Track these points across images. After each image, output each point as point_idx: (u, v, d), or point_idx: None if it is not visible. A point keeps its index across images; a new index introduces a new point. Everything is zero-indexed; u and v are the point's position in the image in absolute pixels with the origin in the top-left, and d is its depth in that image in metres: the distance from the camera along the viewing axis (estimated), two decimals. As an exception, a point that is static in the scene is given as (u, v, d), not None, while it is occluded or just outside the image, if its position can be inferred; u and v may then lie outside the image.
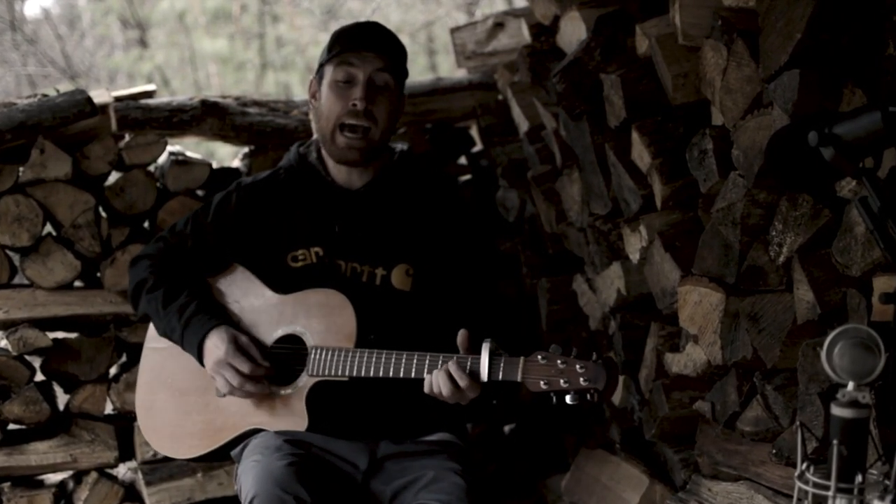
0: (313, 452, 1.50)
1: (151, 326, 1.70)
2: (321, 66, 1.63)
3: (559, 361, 1.34)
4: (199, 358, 1.57)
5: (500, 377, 1.37)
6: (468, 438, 1.64)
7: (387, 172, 1.65)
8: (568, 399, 1.33)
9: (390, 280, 1.59)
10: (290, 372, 1.55)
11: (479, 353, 1.38)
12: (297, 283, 1.58)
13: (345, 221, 1.62)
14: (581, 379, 1.32)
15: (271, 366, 1.55)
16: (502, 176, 2.36)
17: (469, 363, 1.39)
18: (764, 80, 1.41)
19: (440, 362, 1.41)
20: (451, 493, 1.44)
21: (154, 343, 1.70)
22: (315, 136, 1.70)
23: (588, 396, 1.33)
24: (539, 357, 1.35)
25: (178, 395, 1.64)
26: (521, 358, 1.36)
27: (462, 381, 1.38)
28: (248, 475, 1.44)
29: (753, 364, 1.51)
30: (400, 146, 1.70)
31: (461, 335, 1.42)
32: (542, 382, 1.34)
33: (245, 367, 1.51)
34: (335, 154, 1.60)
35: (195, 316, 1.57)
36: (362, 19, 1.67)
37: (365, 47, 1.57)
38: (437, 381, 1.40)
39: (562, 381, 1.33)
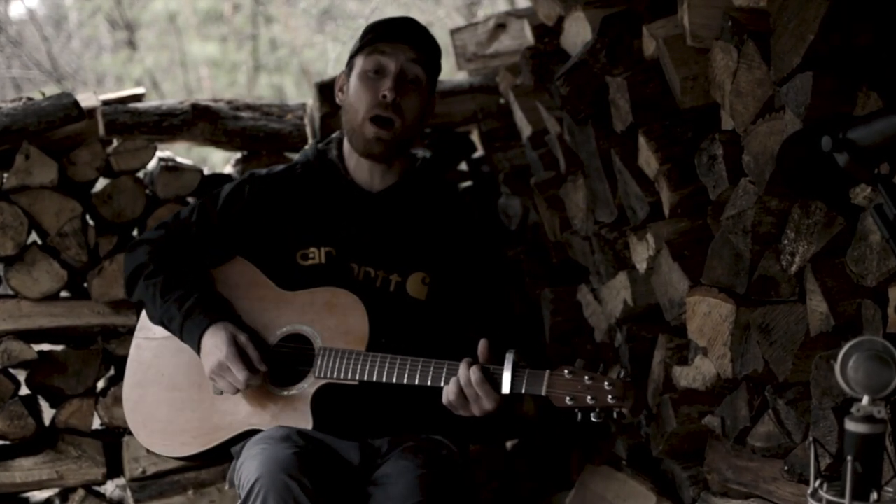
0: (320, 445, 1.47)
1: (143, 315, 1.64)
2: (352, 57, 1.60)
3: (586, 378, 1.32)
4: (199, 352, 1.52)
5: (524, 390, 1.35)
6: (465, 448, 1.59)
7: (408, 177, 1.62)
8: (592, 417, 1.32)
9: (405, 287, 1.56)
10: (293, 372, 1.50)
11: (501, 364, 1.35)
12: (304, 282, 1.54)
13: (362, 223, 1.58)
14: (609, 396, 1.30)
15: (272, 366, 1.50)
16: (504, 182, 2.33)
17: (491, 371, 1.36)
18: (776, 83, 1.38)
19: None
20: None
21: (146, 333, 1.64)
22: (336, 133, 1.67)
23: (614, 415, 1.31)
24: (565, 372, 1.33)
25: (171, 390, 1.58)
26: (547, 371, 1.34)
27: (481, 390, 1.35)
28: (252, 462, 1.39)
29: (765, 378, 1.48)
30: (422, 153, 1.67)
31: (482, 345, 1.39)
32: (567, 398, 1.32)
33: (242, 376, 1.47)
34: (361, 146, 1.56)
35: (196, 308, 1.52)
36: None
37: (398, 38, 1.55)
38: (455, 391, 1.37)
39: (588, 397, 1.31)
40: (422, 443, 1.50)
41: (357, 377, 1.44)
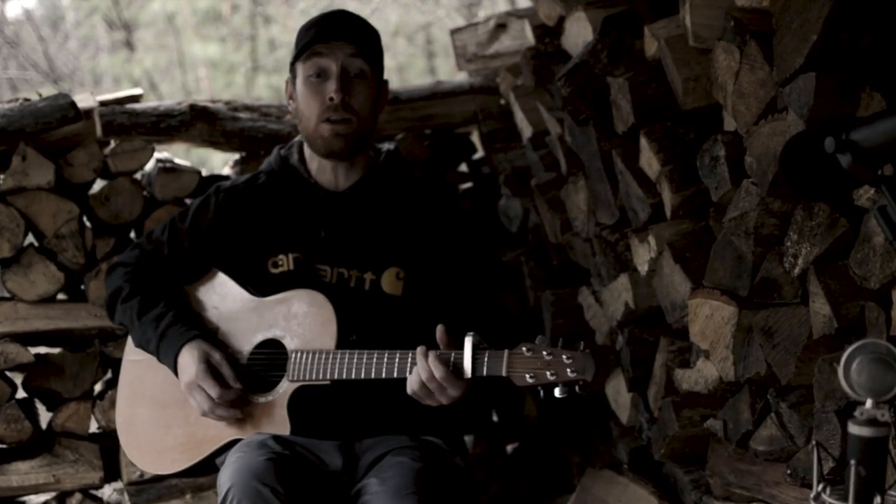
0: (298, 451, 1.46)
1: (130, 338, 1.66)
2: (292, 64, 1.59)
3: (545, 353, 1.29)
4: (175, 372, 1.54)
5: (485, 372, 1.32)
6: (458, 446, 1.58)
7: (373, 173, 1.61)
8: (556, 392, 1.28)
9: (380, 285, 1.55)
10: (270, 378, 1.51)
11: (461, 348, 1.33)
12: (277, 290, 1.55)
13: (331, 225, 1.58)
14: (568, 370, 1.27)
15: (248, 376, 1.51)
16: (505, 184, 2.32)
17: (452, 358, 1.34)
18: (778, 84, 1.38)
19: None
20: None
21: (133, 355, 1.66)
22: (297, 137, 1.66)
23: (577, 388, 1.28)
24: (524, 349, 1.30)
25: (159, 409, 1.60)
26: (506, 351, 1.31)
27: (439, 374, 1.32)
28: (227, 470, 1.41)
29: (767, 380, 1.47)
30: (387, 146, 1.66)
31: (439, 331, 1.37)
32: (527, 376, 1.29)
33: (214, 392, 1.47)
34: (321, 147, 1.56)
35: (171, 327, 1.54)
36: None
37: (333, 36, 1.53)
38: (417, 379, 1.35)
39: (548, 373, 1.28)
40: (420, 442, 1.50)
41: (327, 376, 1.43)
